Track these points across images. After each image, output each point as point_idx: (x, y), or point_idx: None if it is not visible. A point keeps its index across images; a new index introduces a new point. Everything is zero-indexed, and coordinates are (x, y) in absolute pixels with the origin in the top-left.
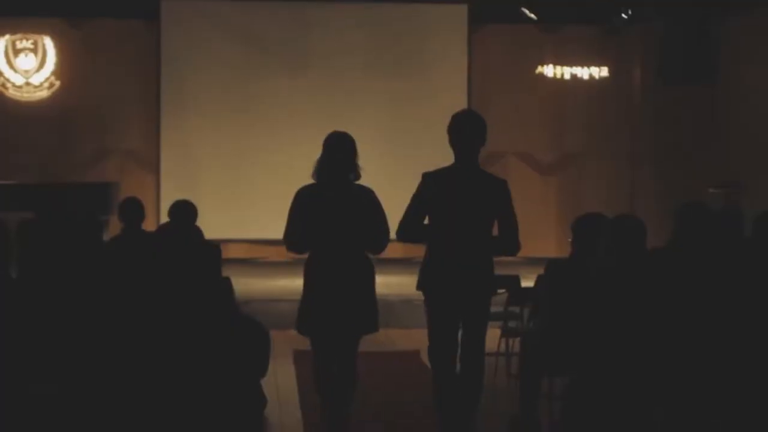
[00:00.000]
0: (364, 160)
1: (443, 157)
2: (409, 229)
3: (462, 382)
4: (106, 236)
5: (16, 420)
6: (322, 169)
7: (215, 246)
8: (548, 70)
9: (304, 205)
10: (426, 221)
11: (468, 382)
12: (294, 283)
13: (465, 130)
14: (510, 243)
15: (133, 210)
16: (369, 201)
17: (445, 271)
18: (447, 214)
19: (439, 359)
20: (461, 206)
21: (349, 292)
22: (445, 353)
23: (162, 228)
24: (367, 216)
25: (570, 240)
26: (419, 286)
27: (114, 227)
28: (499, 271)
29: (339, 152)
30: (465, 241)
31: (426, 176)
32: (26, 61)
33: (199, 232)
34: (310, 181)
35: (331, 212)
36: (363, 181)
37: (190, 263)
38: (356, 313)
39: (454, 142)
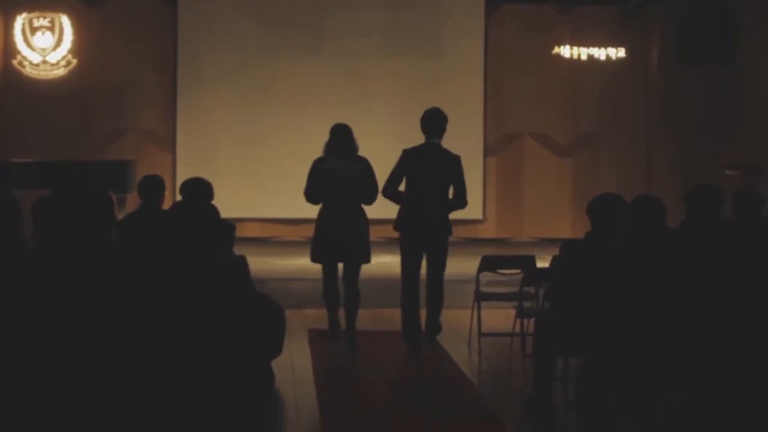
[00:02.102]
0: (379, 139)
1: (457, 136)
2: (389, 189)
3: (429, 299)
4: (122, 214)
5: (34, 390)
6: (329, 148)
7: (229, 224)
8: (565, 51)
9: (317, 171)
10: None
11: (433, 299)
12: (310, 263)
13: (432, 121)
14: (460, 200)
15: (154, 188)
16: (364, 167)
17: (414, 218)
18: (417, 178)
19: (407, 280)
20: (427, 173)
21: (349, 233)
22: (412, 277)
23: (176, 205)
24: (362, 178)
25: None
26: (395, 227)
27: (131, 206)
28: (515, 252)
29: (341, 138)
30: (429, 197)
31: (405, 151)
32: (43, 39)
33: (214, 210)
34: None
35: (336, 177)
36: (380, 159)
37: (202, 240)
38: (355, 248)
39: (424, 129)
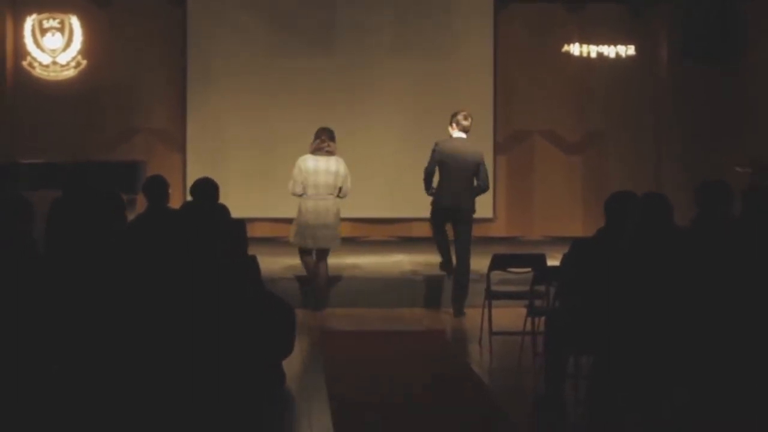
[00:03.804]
0: (390, 138)
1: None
2: (427, 172)
3: (458, 267)
4: (133, 214)
5: (39, 389)
6: (311, 147)
7: (240, 221)
8: (574, 49)
9: (300, 166)
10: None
11: (461, 267)
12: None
13: (460, 120)
14: (483, 185)
15: (157, 187)
16: (340, 165)
17: (446, 199)
18: (448, 166)
19: (442, 247)
20: (455, 161)
21: (322, 225)
22: (445, 244)
23: (186, 205)
24: (338, 174)
25: None
26: (433, 206)
27: (142, 206)
28: (525, 251)
29: (321, 138)
30: (458, 181)
31: (437, 143)
32: (53, 41)
33: (224, 209)
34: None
35: (313, 174)
36: (391, 157)
37: (215, 239)
38: (325, 238)
39: (453, 125)
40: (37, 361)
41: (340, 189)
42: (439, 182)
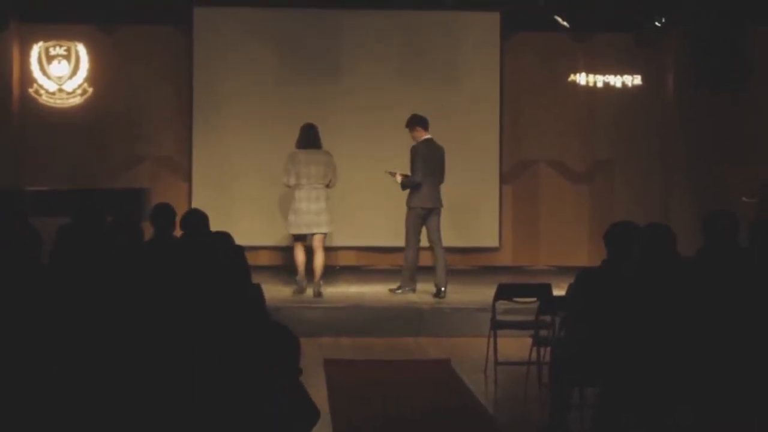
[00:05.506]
0: (396, 167)
1: (473, 163)
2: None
3: (438, 252)
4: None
5: (35, 400)
6: (300, 142)
7: (237, 247)
8: (580, 79)
9: (293, 159)
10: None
11: (440, 250)
12: (326, 291)
13: (425, 121)
14: (442, 177)
15: (164, 216)
16: (329, 158)
17: (423, 200)
18: (427, 168)
19: (412, 242)
20: (433, 163)
21: (315, 211)
22: (417, 239)
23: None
24: (327, 167)
25: None
26: (408, 204)
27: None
28: (531, 280)
29: (309, 134)
30: (431, 179)
31: (416, 148)
32: (59, 68)
33: (227, 237)
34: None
35: (305, 165)
36: (394, 188)
37: (215, 269)
38: (321, 219)
39: (424, 127)
40: (37, 363)
41: (329, 179)
42: (414, 181)
